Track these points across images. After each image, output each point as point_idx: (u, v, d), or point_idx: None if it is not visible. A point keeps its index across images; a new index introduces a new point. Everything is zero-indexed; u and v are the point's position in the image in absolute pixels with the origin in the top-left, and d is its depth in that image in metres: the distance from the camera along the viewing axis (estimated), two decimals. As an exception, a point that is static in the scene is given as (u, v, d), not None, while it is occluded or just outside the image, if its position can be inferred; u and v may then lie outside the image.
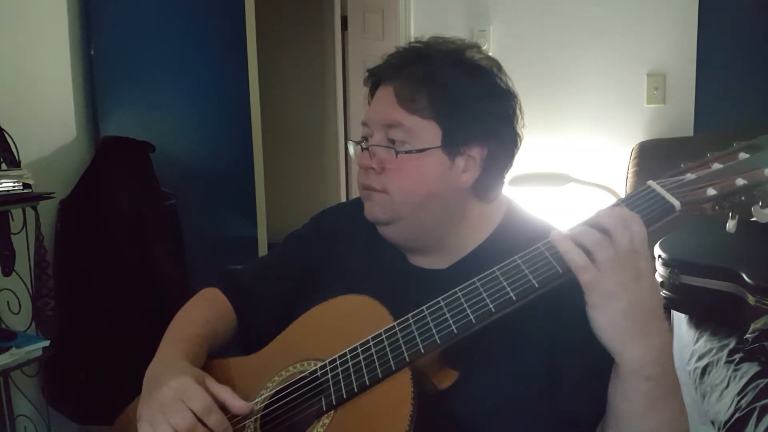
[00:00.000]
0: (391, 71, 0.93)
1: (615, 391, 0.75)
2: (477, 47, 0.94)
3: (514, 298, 0.73)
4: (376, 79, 0.96)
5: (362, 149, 0.93)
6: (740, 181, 0.72)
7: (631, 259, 0.70)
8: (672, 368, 0.75)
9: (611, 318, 0.70)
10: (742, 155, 0.74)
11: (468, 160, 0.90)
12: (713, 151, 0.77)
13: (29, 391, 2.14)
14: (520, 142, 0.95)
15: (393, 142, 0.90)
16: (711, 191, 0.73)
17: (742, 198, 0.72)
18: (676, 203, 0.73)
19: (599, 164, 2.46)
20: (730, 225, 0.75)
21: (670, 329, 0.74)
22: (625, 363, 0.72)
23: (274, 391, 0.86)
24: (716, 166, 0.75)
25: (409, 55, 0.93)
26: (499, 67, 0.93)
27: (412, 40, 0.96)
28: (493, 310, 0.73)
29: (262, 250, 2.73)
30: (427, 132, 0.89)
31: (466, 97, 0.89)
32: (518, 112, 0.93)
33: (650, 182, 0.76)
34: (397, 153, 0.89)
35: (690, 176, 0.75)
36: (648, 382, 0.72)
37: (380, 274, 0.97)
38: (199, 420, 0.79)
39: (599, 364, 0.76)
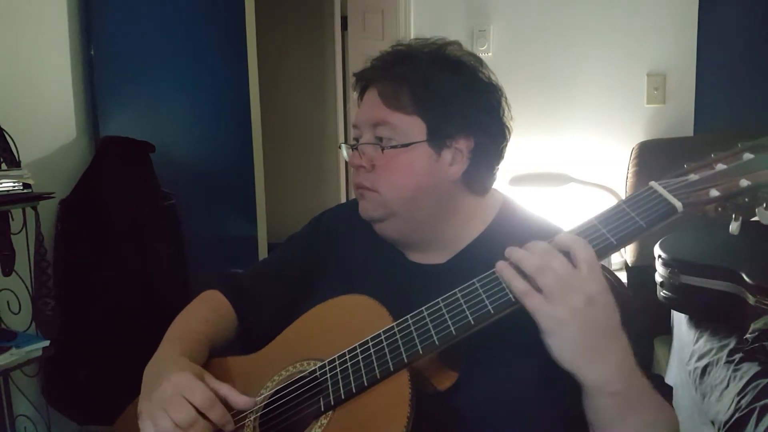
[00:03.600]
0: (376, 73, 0.96)
1: (585, 406, 0.76)
2: (458, 44, 0.96)
3: (513, 299, 0.73)
4: (363, 83, 0.98)
5: (353, 149, 0.95)
6: (744, 183, 0.70)
7: (578, 284, 0.69)
8: (638, 378, 0.75)
9: (565, 343, 0.70)
10: (747, 156, 0.72)
11: (455, 152, 0.92)
12: (714, 150, 0.75)
13: (29, 391, 2.14)
14: (509, 134, 0.96)
15: (381, 139, 0.92)
16: (714, 192, 0.71)
17: (746, 199, 0.70)
18: (678, 205, 0.71)
19: (599, 164, 2.46)
20: (734, 227, 0.73)
21: (630, 343, 0.74)
22: (586, 382, 0.72)
23: (273, 390, 0.85)
24: (720, 166, 0.73)
25: (391, 56, 0.96)
26: (481, 62, 0.95)
27: (395, 43, 0.99)
28: (492, 312, 0.73)
29: (262, 250, 2.73)
30: (412, 127, 0.91)
31: (447, 91, 0.91)
32: (504, 104, 0.95)
33: (652, 183, 0.74)
34: (383, 149, 0.91)
35: (693, 177, 0.73)
36: (613, 398, 0.73)
37: (379, 271, 0.98)
38: (201, 414, 0.80)
39: None
